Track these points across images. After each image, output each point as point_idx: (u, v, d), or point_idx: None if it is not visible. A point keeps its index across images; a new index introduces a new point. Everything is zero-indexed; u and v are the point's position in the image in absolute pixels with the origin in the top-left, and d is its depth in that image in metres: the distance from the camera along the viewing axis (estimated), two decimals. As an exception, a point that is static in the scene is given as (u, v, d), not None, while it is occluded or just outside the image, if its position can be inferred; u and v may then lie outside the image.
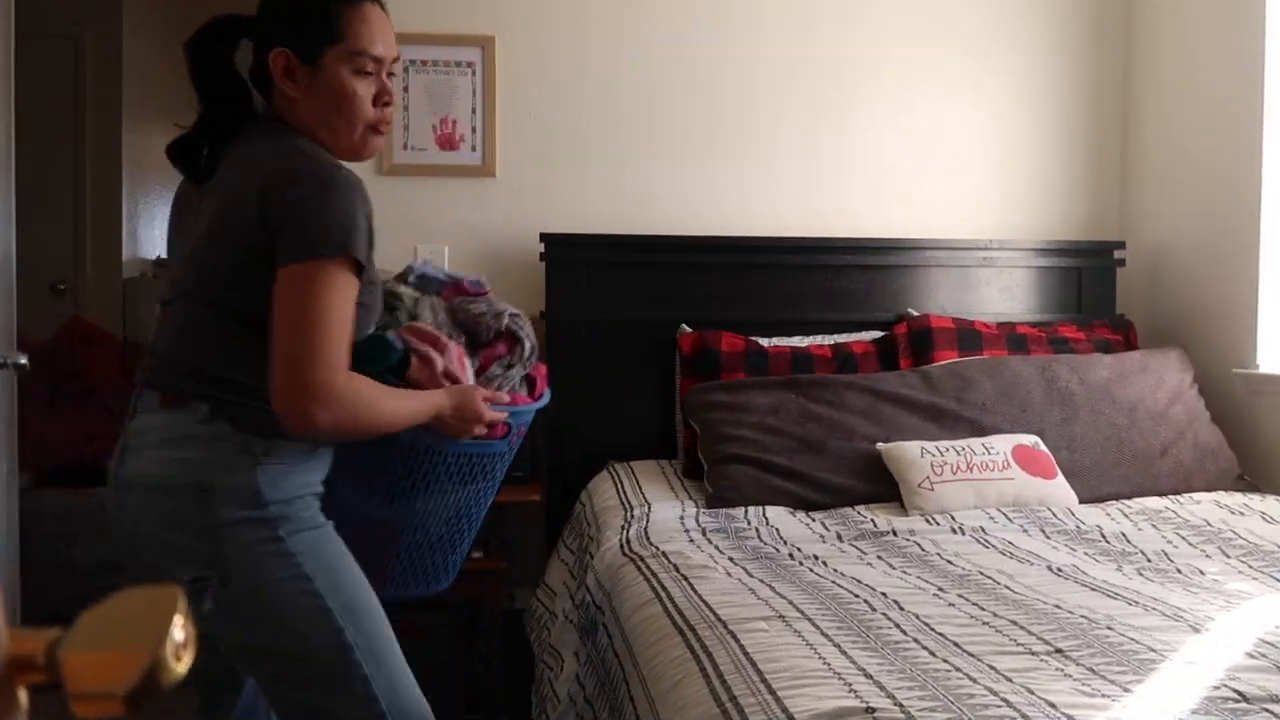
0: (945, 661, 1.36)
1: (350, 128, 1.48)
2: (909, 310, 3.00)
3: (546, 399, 1.77)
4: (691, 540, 2.09)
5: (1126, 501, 2.42)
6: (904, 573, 1.86)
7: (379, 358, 1.50)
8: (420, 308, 1.67)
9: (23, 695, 0.45)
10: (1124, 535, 2.15)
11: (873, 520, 2.25)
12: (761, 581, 1.78)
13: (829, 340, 2.88)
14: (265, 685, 1.48)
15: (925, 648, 1.42)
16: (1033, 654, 1.40)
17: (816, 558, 1.97)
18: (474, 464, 1.63)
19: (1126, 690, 1.27)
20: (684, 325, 2.87)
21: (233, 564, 1.38)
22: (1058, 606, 1.61)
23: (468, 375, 1.62)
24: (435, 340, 1.60)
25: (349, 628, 1.40)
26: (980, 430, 2.50)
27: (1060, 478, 2.42)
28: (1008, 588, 1.74)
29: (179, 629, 0.45)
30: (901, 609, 1.61)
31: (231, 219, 1.41)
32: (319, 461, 1.47)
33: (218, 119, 1.49)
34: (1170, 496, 2.46)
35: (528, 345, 1.73)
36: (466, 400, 1.54)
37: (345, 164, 1.47)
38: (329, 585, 1.40)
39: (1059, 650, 1.41)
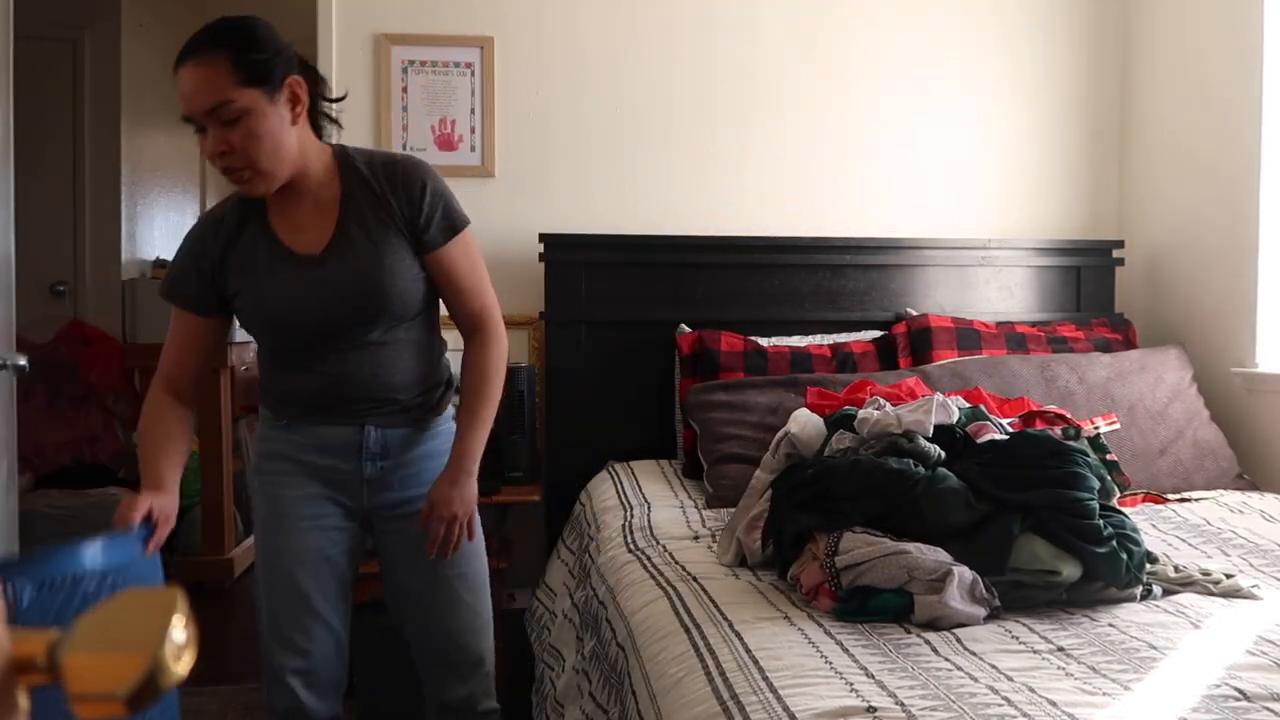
0: (947, 660, 1.36)
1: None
2: (908, 310, 3.00)
3: None
4: (697, 539, 2.09)
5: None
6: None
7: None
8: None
9: (23, 697, 0.45)
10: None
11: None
12: (764, 580, 1.78)
13: (828, 340, 2.88)
14: None
15: (927, 646, 1.42)
16: (1034, 652, 1.40)
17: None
18: None
19: (1127, 689, 1.27)
20: (683, 325, 2.87)
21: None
22: (1059, 605, 1.61)
23: None
24: None
25: (261, 569, 1.79)
26: (980, 429, 2.50)
27: (1060, 476, 2.41)
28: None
29: (179, 630, 0.45)
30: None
31: None
32: (283, 431, 1.80)
33: None
34: (1170, 495, 2.46)
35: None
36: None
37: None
38: (259, 530, 1.83)
39: (1060, 649, 1.41)
